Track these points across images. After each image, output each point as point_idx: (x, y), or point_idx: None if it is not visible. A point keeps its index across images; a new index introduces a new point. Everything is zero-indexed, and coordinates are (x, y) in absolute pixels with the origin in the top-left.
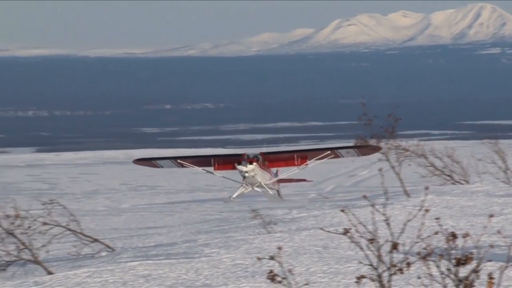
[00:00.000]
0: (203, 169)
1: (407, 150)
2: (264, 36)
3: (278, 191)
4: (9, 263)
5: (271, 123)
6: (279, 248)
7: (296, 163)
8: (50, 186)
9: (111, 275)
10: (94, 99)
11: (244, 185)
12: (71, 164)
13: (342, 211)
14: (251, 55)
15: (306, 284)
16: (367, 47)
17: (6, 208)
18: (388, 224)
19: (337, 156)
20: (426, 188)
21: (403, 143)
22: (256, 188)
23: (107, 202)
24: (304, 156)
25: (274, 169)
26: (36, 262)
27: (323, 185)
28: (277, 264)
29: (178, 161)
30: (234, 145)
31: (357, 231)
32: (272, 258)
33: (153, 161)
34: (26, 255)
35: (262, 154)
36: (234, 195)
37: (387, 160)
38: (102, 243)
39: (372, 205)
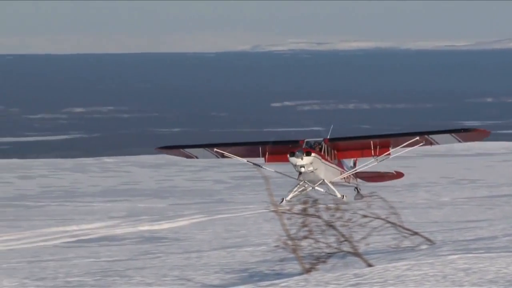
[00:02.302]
0: (248, 161)
1: None
2: None
3: (357, 188)
4: (329, 255)
5: None
6: None
7: (373, 152)
8: None
9: (431, 268)
10: (413, 92)
11: (301, 183)
12: (399, 157)
13: None
14: None
15: None
16: None
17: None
18: None
19: (430, 143)
20: None
21: None
22: (317, 188)
23: (427, 195)
24: (385, 143)
25: (349, 160)
26: (356, 254)
27: None
28: None
29: (215, 150)
30: None
31: None
32: None
33: (182, 150)
34: (346, 247)
35: (327, 140)
36: (288, 197)
37: None
38: (422, 236)
39: None
